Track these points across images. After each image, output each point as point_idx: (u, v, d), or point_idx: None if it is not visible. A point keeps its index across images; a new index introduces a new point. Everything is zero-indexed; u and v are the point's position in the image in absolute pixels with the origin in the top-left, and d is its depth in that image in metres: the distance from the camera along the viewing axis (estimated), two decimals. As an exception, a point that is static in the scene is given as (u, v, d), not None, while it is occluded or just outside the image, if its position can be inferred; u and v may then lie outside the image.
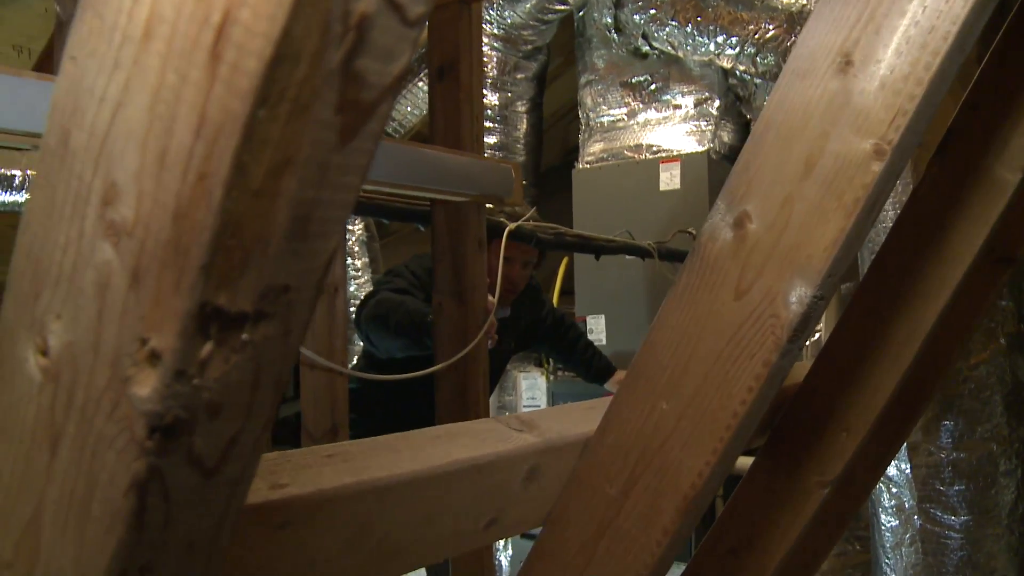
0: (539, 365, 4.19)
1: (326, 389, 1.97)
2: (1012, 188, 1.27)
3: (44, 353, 0.42)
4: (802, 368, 1.43)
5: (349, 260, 5.13)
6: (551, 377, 4.05)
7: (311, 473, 0.68)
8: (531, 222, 2.63)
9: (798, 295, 0.79)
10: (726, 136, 3.97)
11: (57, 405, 0.42)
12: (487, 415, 2.29)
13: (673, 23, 3.73)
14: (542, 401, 4.10)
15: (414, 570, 0.82)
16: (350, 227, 5.05)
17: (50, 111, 0.41)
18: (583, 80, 4.31)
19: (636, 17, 3.88)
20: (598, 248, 2.99)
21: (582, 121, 4.34)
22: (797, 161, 0.80)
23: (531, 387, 4.16)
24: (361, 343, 3.16)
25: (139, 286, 0.36)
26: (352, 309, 3.91)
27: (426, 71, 2.80)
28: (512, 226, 2.49)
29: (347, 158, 0.34)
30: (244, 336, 0.36)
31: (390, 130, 4.66)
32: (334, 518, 0.67)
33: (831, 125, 0.79)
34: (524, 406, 4.19)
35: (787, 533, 1.38)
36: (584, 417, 0.97)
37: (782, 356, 0.80)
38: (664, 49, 3.90)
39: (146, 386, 0.36)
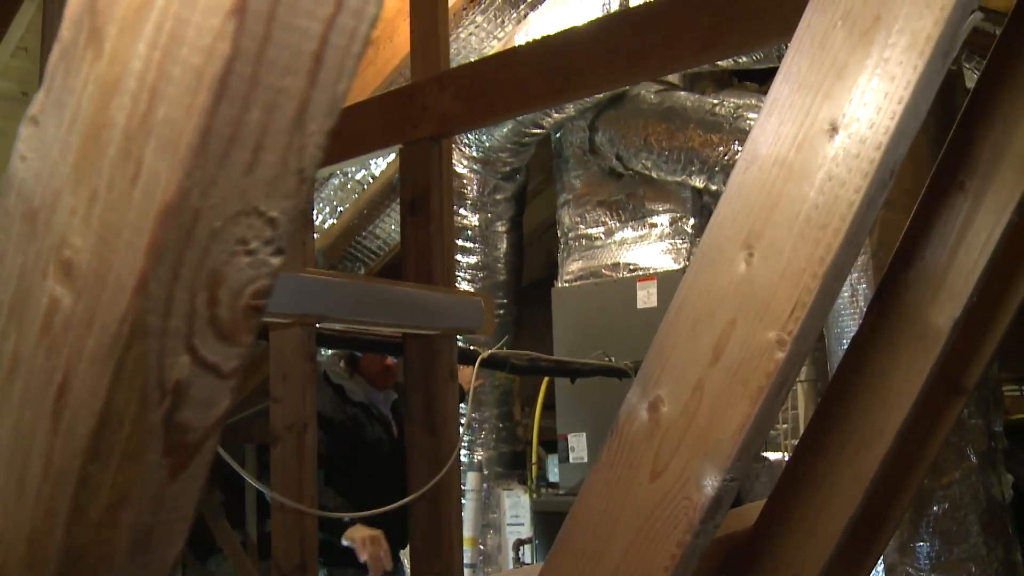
0: (522, 483, 4.17)
1: (295, 526, 1.98)
2: (945, 335, 1.32)
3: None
4: (753, 510, 1.45)
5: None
6: (534, 495, 4.02)
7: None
8: (505, 349, 2.68)
9: (710, 479, 0.82)
10: (702, 253, 4.03)
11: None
12: (460, 544, 2.29)
13: (645, 147, 3.85)
14: (525, 519, 4.06)
15: None
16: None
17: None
18: (561, 199, 4.40)
19: (610, 141, 4.00)
20: (574, 372, 3.02)
21: (560, 240, 4.41)
22: (706, 347, 0.84)
23: (514, 505, 4.14)
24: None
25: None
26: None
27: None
28: (485, 353, 2.53)
29: (179, 487, 0.38)
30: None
31: (372, 249, 4.74)
32: None
33: (738, 313, 0.84)
34: (508, 524, 4.16)
35: None
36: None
37: (695, 536, 0.83)
38: (638, 170, 4.00)
39: None
